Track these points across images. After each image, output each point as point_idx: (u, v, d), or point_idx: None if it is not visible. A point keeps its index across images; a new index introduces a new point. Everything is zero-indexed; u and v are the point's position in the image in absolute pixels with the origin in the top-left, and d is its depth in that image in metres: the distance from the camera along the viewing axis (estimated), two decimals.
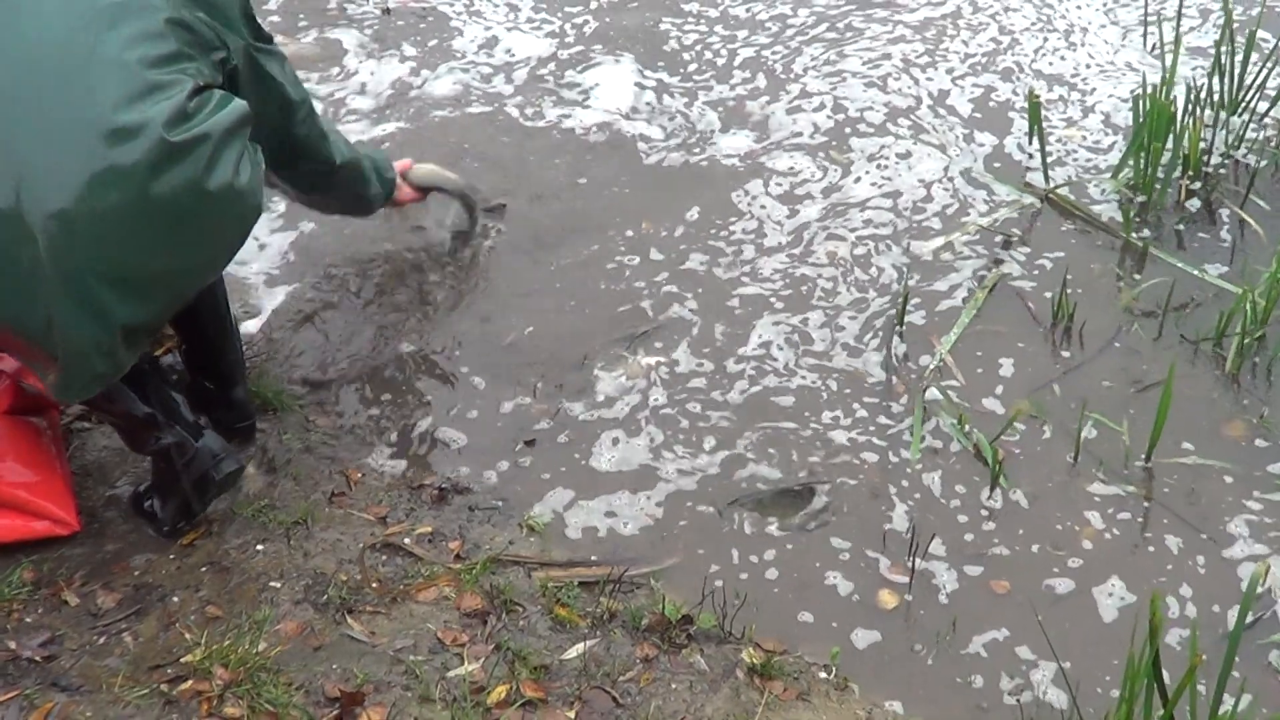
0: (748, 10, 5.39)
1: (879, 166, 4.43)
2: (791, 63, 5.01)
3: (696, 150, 4.55)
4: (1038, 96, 4.34)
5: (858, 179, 4.37)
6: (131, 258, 2.52)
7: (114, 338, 2.56)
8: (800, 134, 4.61)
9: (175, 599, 2.81)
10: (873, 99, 4.77)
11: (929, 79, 4.86)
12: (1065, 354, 3.69)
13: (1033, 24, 5.21)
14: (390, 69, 5.05)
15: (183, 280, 2.69)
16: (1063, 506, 3.26)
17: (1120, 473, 3.33)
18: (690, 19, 5.33)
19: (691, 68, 5.01)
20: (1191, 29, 5.10)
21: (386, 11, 5.40)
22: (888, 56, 5.00)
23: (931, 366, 3.65)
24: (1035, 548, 3.16)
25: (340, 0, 5.51)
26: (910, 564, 3.10)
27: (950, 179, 4.35)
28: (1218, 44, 4.43)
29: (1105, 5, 5.33)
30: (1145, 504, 3.26)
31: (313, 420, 3.46)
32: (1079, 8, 5.31)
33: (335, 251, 4.09)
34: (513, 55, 5.14)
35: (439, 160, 4.13)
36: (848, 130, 4.61)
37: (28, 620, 2.74)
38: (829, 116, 4.68)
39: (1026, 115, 4.45)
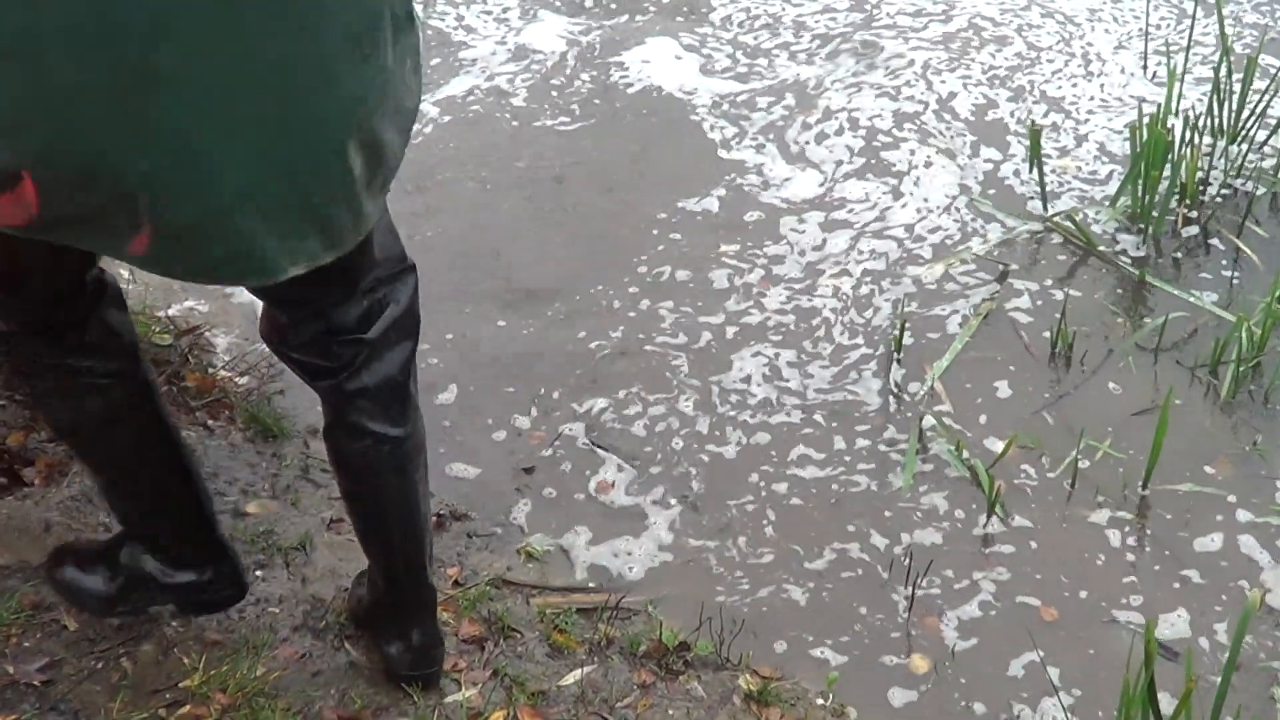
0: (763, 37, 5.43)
1: (881, 191, 4.45)
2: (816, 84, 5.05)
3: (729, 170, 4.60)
4: (1037, 126, 4.37)
5: (860, 206, 4.40)
6: None
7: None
8: (821, 160, 4.65)
9: (173, 624, 2.81)
10: (881, 107, 4.82)
11: (934, 97, 4.89)
12: (1062, 382, 3.70)
13: (1032, 58, 5.24)
14: None
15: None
16: (1060, 533, 3.27)
17: (1117, 500, 3.34)
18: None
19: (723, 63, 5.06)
20: (1203, 58, 5.12)
21: None
22: (896, 74, 5.04)
23: (922, 393, 3.66)
24: (1033, 575, 3.16)
25: None
26: (910, 591, 3.11)
27: (951, 207, 4.37)
28: (1216, 72, 4.46)
29: (1112, 34, 5.36)
30: (1142, 530, 3.26)
31: (311, 446, 3.47)
32: (1086, 37, 5.35)
33: None
34: (538, 52, 5.21)
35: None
36: (871, 149, 4.66)
37: (26, 645, 2.73)
38: (848, 143, 4.72)
39: (1027, 143, 4.48)
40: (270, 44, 1.75)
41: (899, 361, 3.76)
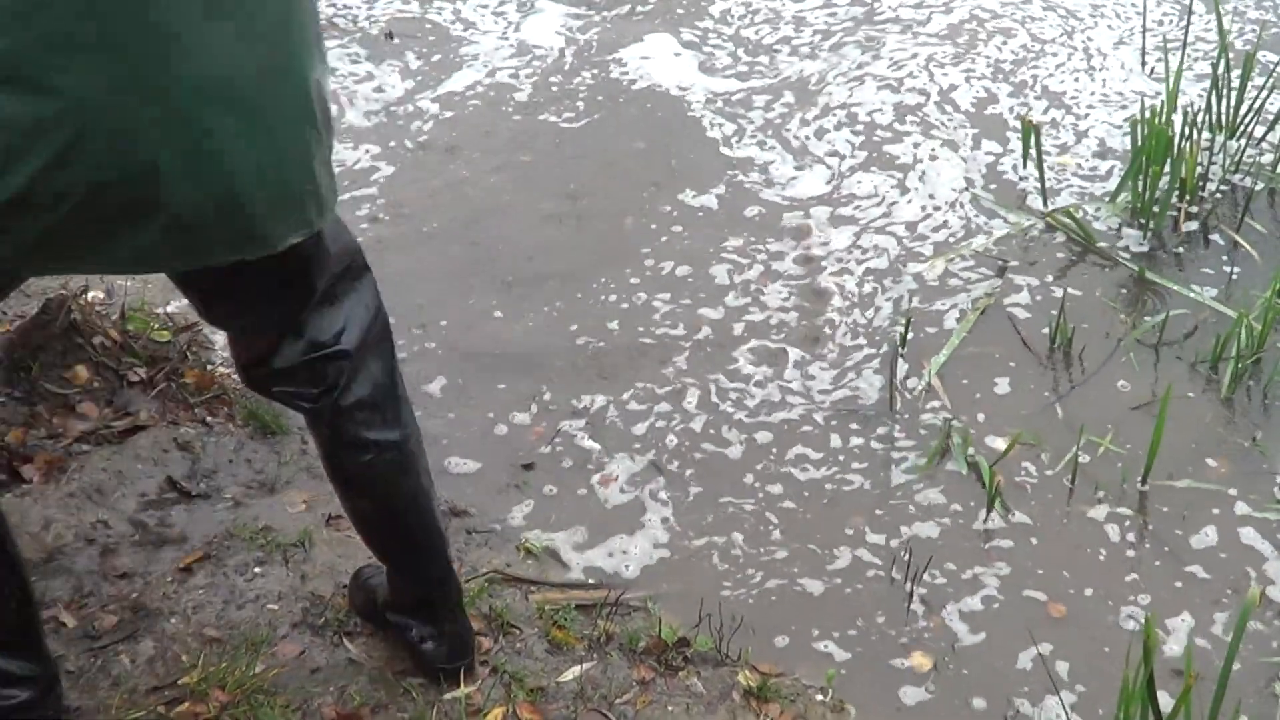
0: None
1: (885, 187, 4.45)
2: (813, 84, 5.05)
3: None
4: (1031, 122, 4.37)
5: (863, 202, 4.39)
6: None
7: None
8: (823, 156, 4.64)
9: (173, 621, 2.81)
10: (883, 102, 4.81)
11: (935, 91, 4.88)
12: (1062, 378, 3.69)
13: (1035, 52, 5.23)
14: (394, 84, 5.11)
15: None
16: (1060, 529, 3.26)
17: (1118, 495, 3.33)
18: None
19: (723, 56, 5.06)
20: (1205, 54, 5.10)
21: (389, 36, 5.44)
22: (900, 66, 5.03)
23: (919, 388, 3.66)
24: (1034, 570, 3.16)
25: (331, 15, 5.58)
26: (910, 588, 3.11)
27: (953, 203, 4.37)
28: (1214, 67, 4.45)
29: (1113, 30, 5.35)
30: (1143, 526, 3.26)
31: (309, 443, 3.47)
32: (1087, 32, 5.34)
33: None
34: (538, 47, 5.22)
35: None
36: (872, 144, 4.65)
37: None
38: (849, 139, 4.71)
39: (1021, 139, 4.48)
40: (260, 21, 1.82)
41: (903, 357, 3.76)
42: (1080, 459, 3.39)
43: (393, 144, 4.79)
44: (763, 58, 5.27)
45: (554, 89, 5.10)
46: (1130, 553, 3.20)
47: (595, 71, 5.20)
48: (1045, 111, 4.83)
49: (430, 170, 4.66)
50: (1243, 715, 2.60)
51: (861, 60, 5.17)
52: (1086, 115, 4.81)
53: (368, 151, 4.74)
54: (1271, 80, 4.40)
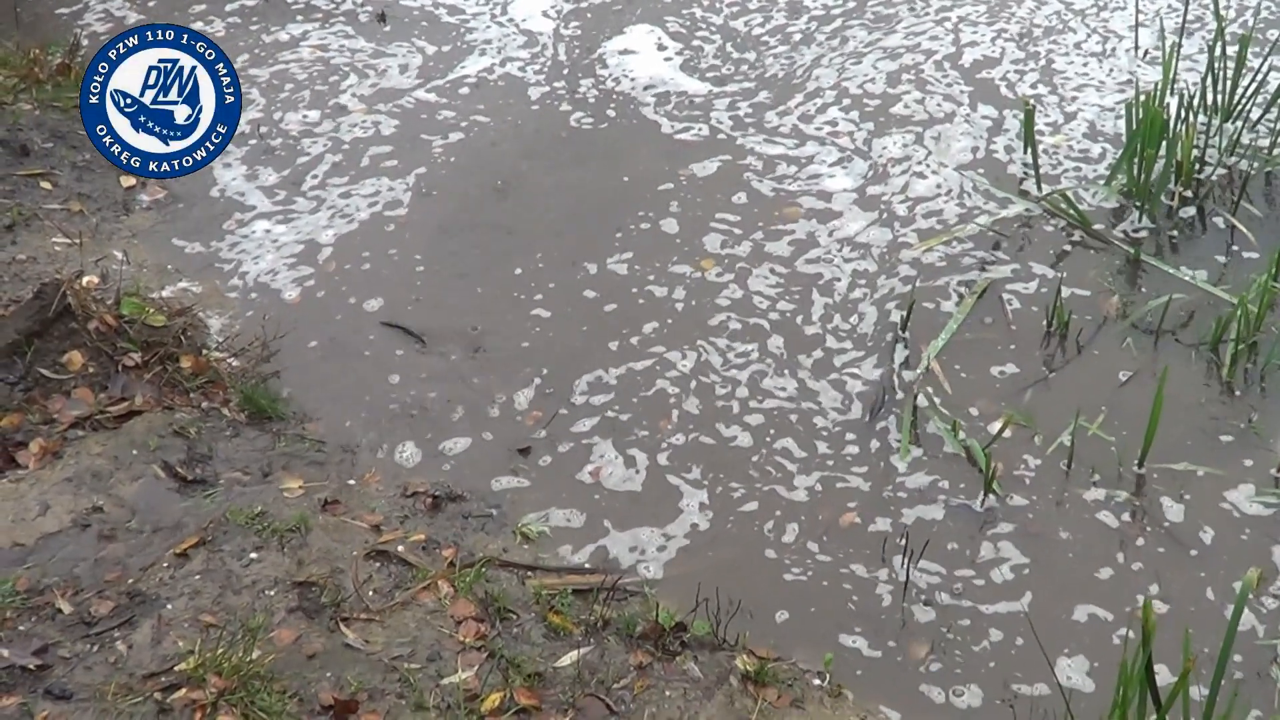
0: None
1: (883, 173, 4.43)
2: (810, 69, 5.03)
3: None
4: (1031, 104, 4.35)
5: (857, 186, 4.38)
6: None
7: None
8: (813, 142, 4.63)
9: (169, 606, 2.81)
10: (877, 87, 4.80)
11: (928, 75, 4.87)
12: (1058, 361, 3.69)
13: (1031, 35, 5.21)
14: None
15: None
16: (1057, 512, 3.26)
17: (1114, 478, 3.33)
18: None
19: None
20: (1212, 32, 5.07)
21: (381, 18, 5.41)
22: (905, 47, 5.02)
23: (919, 372, 3.65)
24: (1030, 554, 3.16)
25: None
26: (905, 572, 3.10)
27: (946, 185, 4.35)
28: (1210, 50, 4.43)
29: (1109, 15, 5.31)
30: (1139, 508, 3.26)
31: (307, 427, 3.46)
32: (1085, 17, 5.32)
33: (339, 263, 4.10)
34: (532, 33, 5.19)
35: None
36: (864, 131, 4.63)
37: (21, 628, 2.73)
38: (838, 127, 4.70)
39: (1022, 124, 4.46)
40: None
41: (903, 342, 3.75)
42: (1077, 442, 3.38)
43: (378, 120, 4.78)
44: (750, 54, 5.25)
45: (556, 81, 5.08)
46: (1127, 535, 3.19)
47: (586, 59, 5.18)
48: (1034, 87, 4.79)
49: (451, 151, 4.64)
50: (1240, 696, 2.60)
51: (851, 49, 5.15)
52: (1076, 97, 4.77)
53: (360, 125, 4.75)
54: (1266, 61, 4.38)
